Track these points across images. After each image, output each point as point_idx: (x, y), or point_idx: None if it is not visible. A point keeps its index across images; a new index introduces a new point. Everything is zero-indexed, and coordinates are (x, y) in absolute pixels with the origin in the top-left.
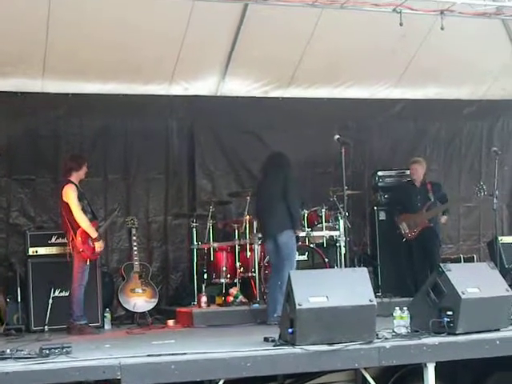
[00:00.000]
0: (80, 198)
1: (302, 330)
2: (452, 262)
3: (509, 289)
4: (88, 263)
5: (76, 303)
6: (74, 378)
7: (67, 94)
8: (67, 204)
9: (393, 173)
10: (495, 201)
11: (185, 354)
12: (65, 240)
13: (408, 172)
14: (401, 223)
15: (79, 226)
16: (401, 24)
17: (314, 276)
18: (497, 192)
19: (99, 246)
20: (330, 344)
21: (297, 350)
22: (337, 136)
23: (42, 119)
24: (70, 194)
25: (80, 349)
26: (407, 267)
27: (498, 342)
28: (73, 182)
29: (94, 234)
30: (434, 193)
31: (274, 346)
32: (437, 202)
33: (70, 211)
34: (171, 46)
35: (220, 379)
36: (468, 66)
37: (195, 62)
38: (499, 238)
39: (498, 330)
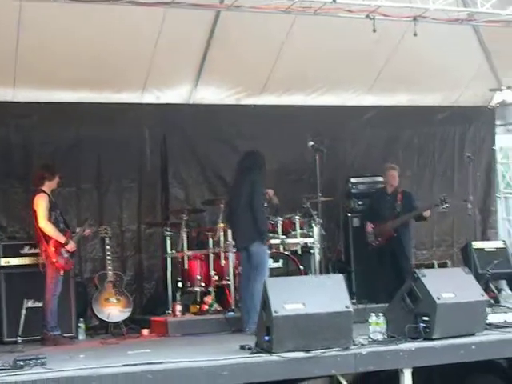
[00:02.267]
0: (52, 208)
1: (278, 338)
2: (425, 268)
3: (484, 293)
4: (61, 273)
5: (50, 314)
6: None
7: (39, 103)
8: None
9: (366, 179)
10: (469, 206)
11: (161, 363)
12: (37, 250)
13: (381, 178)
14: (368, 231)
15: (51, 237)
16: (374, 30)
17: (290, 283)
18: (471, 197)
19: (70, 247)
20: (307, 351)
21: (273, 357)
22: (311, 143)
23: (13, 128)
24: (40, 203)
25: (55, 360)
26: (379, 273)
27: (473, 347)
28: (45, 192)
29: (61, 239)
30: (403, 203)
31: (251, 353)
32: (403, 212)
33: None
34: (143, 55)
35: None
36: (440, 72)
37: (167, 71)
38: (472, 243)
39: (473, 334)
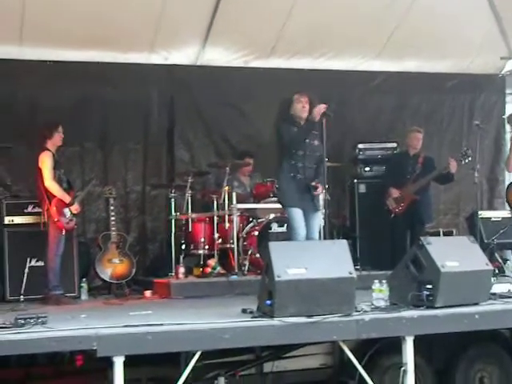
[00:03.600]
0: (56, 166)
1: (280, 302)
2: (431, 236)
3: (488, 263)
4: (63, 233)
5: (52, 273)
6: (50, 349)
7: (45, 61)
8: (42, 171)
9: (373, 145)
10: (476, 174)
11: (161, 324)
12: (41, 209)
13: (389, 145)
14: (387, 199)
15: (55, 196)
16: None
17: (294, 248)
18: (478, 166)
19: (75, 208)
20: (309, 316)
21: (275, 321)
22: (323, 111)
23: (19, 86)
24: (45, 161)
25: (56, 319)
26: (385, 240)
27: (476, 316)
28: (49, 150)
29: (66, 199)
30: (423, 166)
31: (252, 317)
32: (422, 175)
33: None
34: (151, 15)
35: (197, 351)
36: (451, 39)
37: (175, 31)
38: (479, 212)
39: (477, 304)
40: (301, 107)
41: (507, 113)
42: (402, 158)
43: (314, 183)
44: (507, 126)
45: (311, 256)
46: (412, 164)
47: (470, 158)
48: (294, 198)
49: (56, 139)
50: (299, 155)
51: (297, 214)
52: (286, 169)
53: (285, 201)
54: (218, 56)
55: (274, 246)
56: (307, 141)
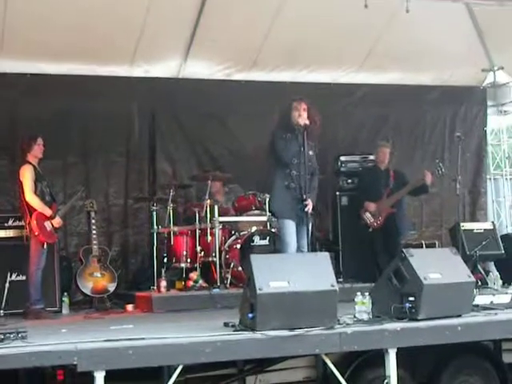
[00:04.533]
0: (38, 179)
1: (262, 315)
2: (413, 248)
3: (471, 275)
4: (45, 247)
5: (33, 287)
6: (30, 364)
7: (25, 74)
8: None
9: (355, 158)
10: (458, 186)
11: (143, 339)
12: (22, 223)
13: (371, 157)
14: (364, 213)
15: (35, 209)
16: (366, 6)
17: (275, 260)
18: (459, 177)
19: (57, 222)
20: (291, 329)
21: (257, 335)
22: (304, 122)
23: None
24: (25, 174)
25: (36, 334)
26: (369, 253)
27: (459, 328)
28: (30, 163)
29: (47, 212)
30: (395, 180)
31: (234, 331)
32: (396, 189)
33: None
34: (132, 27)
35: (178, 365)
36: (432, 51)
37: (157, 44)
38: (461, 224)
39: (459, 316)
40: (297, 115)
41: (488, 125)
42: (374, 172)
43: (304, 197)
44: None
45: (293, 269)
46: (384, 178)
47: (442, 170)
48: (287, 210)
49: (36, 151)
50: (294, 163)
51: (290, 226)
52: (280, 177)
53: (278, 212)
54: (200, 69)
55: (256, 259)
56: (302, 149)
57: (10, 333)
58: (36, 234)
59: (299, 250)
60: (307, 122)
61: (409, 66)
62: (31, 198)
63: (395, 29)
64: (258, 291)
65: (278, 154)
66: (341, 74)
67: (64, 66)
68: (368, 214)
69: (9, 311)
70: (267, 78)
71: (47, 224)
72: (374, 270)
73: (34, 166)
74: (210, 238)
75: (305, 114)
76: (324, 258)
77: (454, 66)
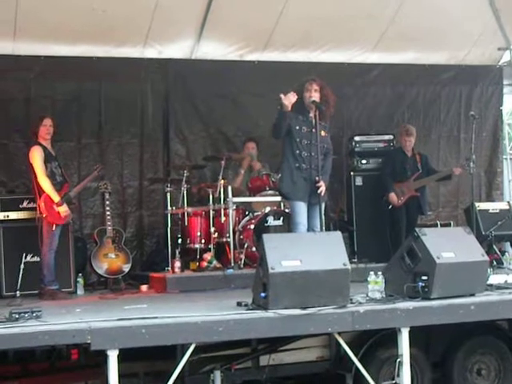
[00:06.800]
0: (48, 159)
1: (274, 294)
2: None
3: (484, 254)
4: (55, 228)
5: (47, 268)
6: (44, 342)
7: (39, 57)
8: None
9: (370, 138)
10: (472, 165)
11: (155, 317)
12: (35, 205)
13: (386, 137)
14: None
15: (44, 191)
16: None
17: (288, 240)
18: (473, 156)
19: (63, 210)
20: (303, 308)
21: (269, 314)
22: (312, 99)
23: (14, 82)
24: (35, 156)
25: (50, 313)
26: (382, 233)
27: (472, 307)
28: (39, 144)
29: (55, 198)
30: (422, 164)
31: (247, 310)
32: (424, 173)
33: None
34: (145, 8)
35: (191, 343)
36: (447, 30)
37: (169, 25)
38: (476, 204)
39: (473, 295)
40: (308, 96)
41: (505, 104)
42: (400, 155)
43: (317, 178)
44: (505, 118)
45: (305, 248)
46: (412, 163)
47: (474, 169)
48: (297, 191)
49: (42, 132)
50: (304, 144)
51: (300, 208)
52: (290, 159)
53: (288, 194)
54: (212, 49)
55: (268, 238)
56: (313, 130)
57: (24, 312)
58: (44, 215)
59: (311, 229)
60: (316, 100)
61: (424, 45)
62: (43, 180)
63: (410, 8)
64: (271, 270)
65: (273, 128)
66: (355, 53)
67: (77, 48)
68: (396, 193)
69: (24, 292)
70: (280, 59)
71: (55, 206)
72: (389, 250)
73: (43, 147)
74: (223, 218)
75: (316, 94)
76: (336, 237)
77: (469, 45)
